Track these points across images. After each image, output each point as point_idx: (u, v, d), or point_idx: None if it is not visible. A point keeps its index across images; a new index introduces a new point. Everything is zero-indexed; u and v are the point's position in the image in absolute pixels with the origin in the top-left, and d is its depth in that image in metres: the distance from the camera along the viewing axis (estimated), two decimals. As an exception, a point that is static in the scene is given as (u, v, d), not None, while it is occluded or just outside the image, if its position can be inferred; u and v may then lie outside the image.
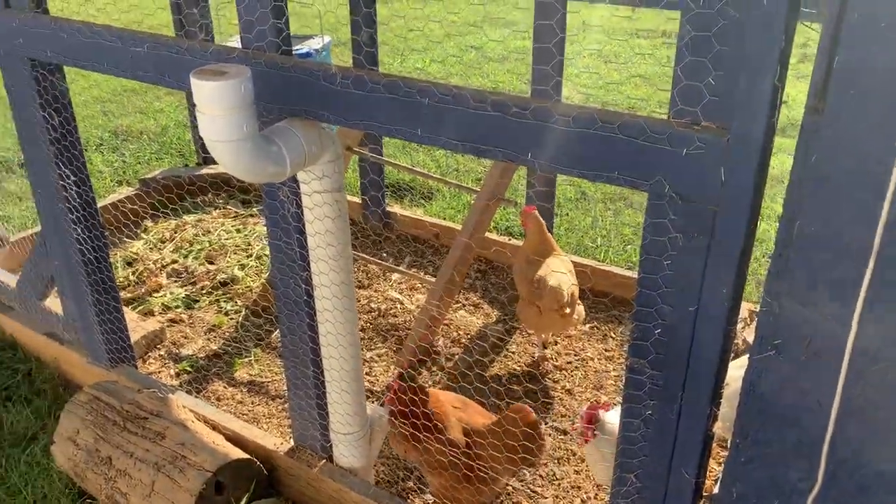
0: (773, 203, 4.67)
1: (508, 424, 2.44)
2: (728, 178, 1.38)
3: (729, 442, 2.46)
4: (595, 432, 2.38)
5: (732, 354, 1.70)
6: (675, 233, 1.49)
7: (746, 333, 3.04)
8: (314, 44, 3.68)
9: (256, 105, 1.95)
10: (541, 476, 2.83)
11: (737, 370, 2.45)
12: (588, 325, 3.68)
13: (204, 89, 1.64)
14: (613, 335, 3.61)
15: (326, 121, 1.90)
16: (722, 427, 2.45)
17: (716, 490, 2.29)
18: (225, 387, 3.32)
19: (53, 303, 3.30)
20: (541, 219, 3.34)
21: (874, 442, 1.40)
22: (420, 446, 2.49)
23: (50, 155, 2.65)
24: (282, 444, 2.70)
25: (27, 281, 3.33)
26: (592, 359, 3.47)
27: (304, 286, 2.32)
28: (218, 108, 1.67)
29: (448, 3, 10.51)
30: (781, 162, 4.96)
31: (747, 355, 2.48)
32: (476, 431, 2.50)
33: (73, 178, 2.71)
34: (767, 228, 4.38)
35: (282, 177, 1.91)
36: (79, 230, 2.79)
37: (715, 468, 2.73)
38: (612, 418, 2.39)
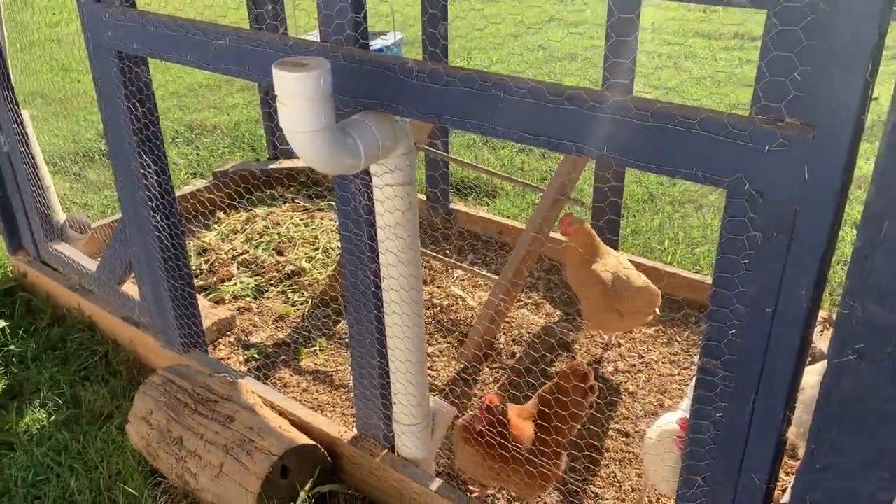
0: (848, 207, 4.51)
1: (563, 381, 2.54)
2: (812, 176, 1.35)
3: (800, 450, 2.40)
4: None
5: (809, 359, 1.66)
6: (753, 231, 1.46)
7: (819, 340, 2.95)
8: (386, 40, 3.73)
9: (334, 97, 2.00)
10: (601, 477, 2.81)
11: (812, 376, 2.39)
12: (653, 329, 3.62)
13: (286, 80, 1.69)
14: (679, 339, 3.55)
15: (401, 114, 1.93)
16: (795, 433, 2.40)
17: (784, 500, 2.24)
18: (291, 375, 3.39)
19: (130, 288, 3.44)
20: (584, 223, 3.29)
21: (961, 454, 1.35)
22: (494, 471, 2.44)
23: (133, 144, 2.76)
24: (345, 432, 2.75)
25: (106, 266, 3.47)
26: (657, 362, 3.42)
27: (372, 277, 2.36)
28: (299, 99, 1.71)
29: (516, 3, 10.48)
30: (857, 167, 4.79)
31: (822, 362, 2.42)
32: (541, 414, 2.51)
33: (153, 167, 2.81)
34: (842, 235, 4.23)
35: (356, 168, 1.95)
36: (157, 218, 2.89)
37: (782, 478, 2.66)
38: (665, 421, 2.37)
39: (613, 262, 3.21)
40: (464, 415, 2.71)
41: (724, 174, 1.45)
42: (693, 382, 2.69)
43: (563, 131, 1.63)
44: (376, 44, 3.78)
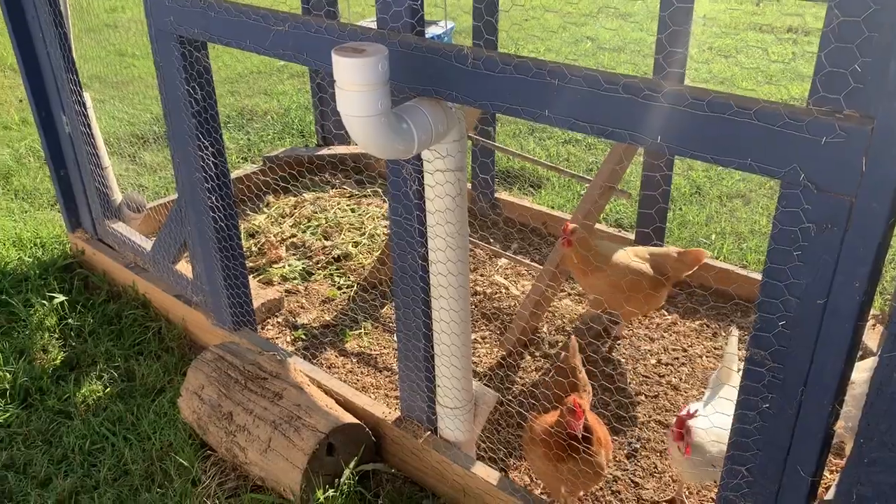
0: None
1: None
2: (869, 168, 1.35)
3: (847, 446, 2.38)
4: (688, 443, 2.33)
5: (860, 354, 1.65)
6: (807, 223, 1.46)
7: (868, 338, 2.91)
8: (437, 29, 3.76)
9: (390, 83, 2.04)
10: (643, 468, 2.82)
11: (861, 373, 2.37)
12: (697, 322, 3.61)
13: (345, 66, 1.73)
14: (723, 333, 3.53)
15: (455, 101, 1.96)
16: (843, 427, 2.38)
17: (828, 496, 2.23)
18: (336, 356, 3.46)
19: (184, 267, 3.54)
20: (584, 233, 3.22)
21: None
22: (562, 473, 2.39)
23: (191, 127, 2.84)
24: (390, 413, 2.81)
25: (161, 245, 3.58)
26: (700, 356, 3.40)
27: (420, 262, 2.40)
28: (356, 85, 1.75)
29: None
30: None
31: (873, 358, 2.40)
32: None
33: (210, 149, 2.89)
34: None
35: (409, 153, 1.99)
36: (213, 199, 2.98)
37: (826, 476, 2.64)
38: (700, 426, 2.34)
39: (622, 256, 3.23)
40: (507, 400, 2.74)
41: (779, 165, 1.45)
42: (715, 375, 2.68)
43: (617, 119, 1.65)
44: (429, 32, 3.81)
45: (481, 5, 3.88)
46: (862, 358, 2.56)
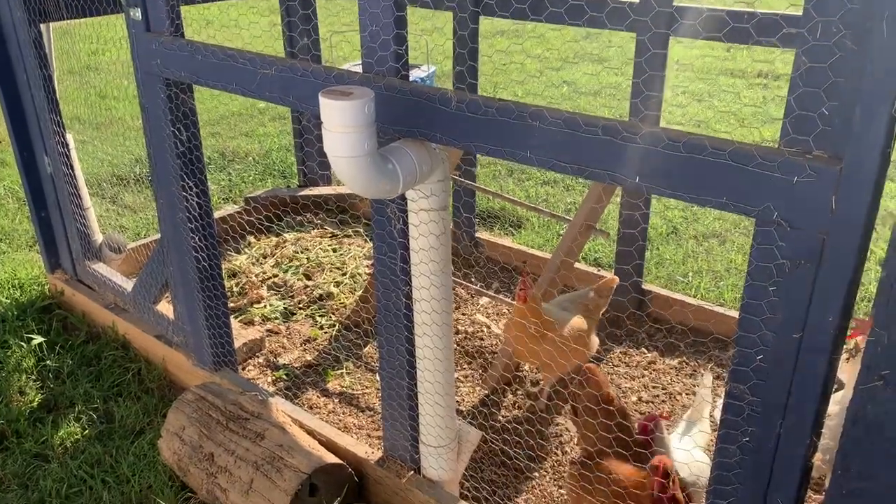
0: (872, 245, 4.52)
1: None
2: (839, 206, 1.40)
3: (827, 479, 2.42)
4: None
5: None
6: (781, 259, 1.51)
7: (841, 371, 2.96)
8: (420, 73, 3.86)
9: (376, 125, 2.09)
10: (625, 505, 2.82)
11: (834, 405, 2.42)
12: (676, 360, 3.65)
13: (332, 108, 1.78)
14: (702, 371, 3.57)
15: (439, 142, 2.01)
16: (821, 459, 2.42)
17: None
18: (318, 396, 3.45)
19: (165, 307, 3.53)
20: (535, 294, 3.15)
21: None
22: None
23: (176, 168, 2.86)
24: (372, 452, 2.80)
25: (143, 285, 3.57)
26: (680, 393, 3.44)
27: (404, 300, 2.42)
28: (344, 126, 1.79)
29: (543, 40, 10.65)
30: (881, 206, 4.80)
31: (843, 391, 2.46)
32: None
33: (195, 189, 2.92)
34: (866, 270, 4.24)
35: (395, 193, 2.03)
36: (196, 238, 2.99)
37: (807, 512, 2.66)
38: (679, 459, 2.38)
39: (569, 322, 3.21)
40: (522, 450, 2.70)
41: (753, 203, 1.51)
42: (689, 412, 2.72)
43: (597, 160, 1.70)
44: (413, 75, 3.90)
45: (464, 51, 3.98)
46: (836, 391, 2.61)
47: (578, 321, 3.22)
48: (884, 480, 1.50)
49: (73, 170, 3.85)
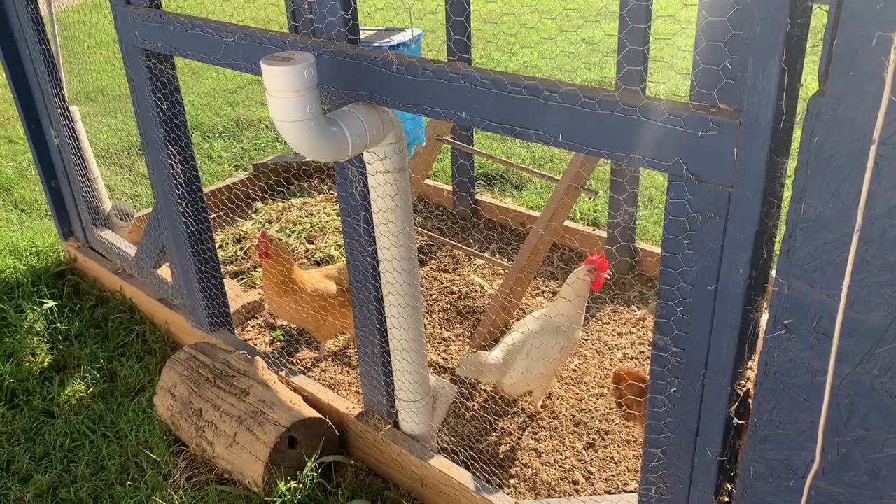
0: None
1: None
2: (741, 159, 1.42)
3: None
4: None
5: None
6: (693, 213, 1.54)
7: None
8: (404, 36, 3.87)
9: (324, 89, 2.14)
10: (600, 458, 2.89)
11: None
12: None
13: (272, 74, 1.83)
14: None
15: (386, 105, 2.06)
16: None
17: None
18: (313, 355, 3.57)
19: (165, 271, 3.67)
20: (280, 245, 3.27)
21: (884, 425, 1.41)
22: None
23: (160, 136, 2.96)
24: (353, 408, 2.90)
25: (144, 251, 3.71)
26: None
27: (370, 260, 2.50)
28: (284, 91, 1.85)
29: (563, -3, 10.48)
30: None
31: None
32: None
33: (178, 156, 3.01)
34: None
35: (345, 155, 2.09)
36: (183, 205, 3.10)
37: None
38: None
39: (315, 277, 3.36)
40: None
41: (664, 158, 1.53)
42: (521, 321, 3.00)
43: (524, 119, 1.74)
44: (395, 39, 3.94)
45: (461, 17, 3.98)
46: None
47: (325, 285, 3.34)
48: (793, 428, 1.54)
49: (78, 141, 3.98)
